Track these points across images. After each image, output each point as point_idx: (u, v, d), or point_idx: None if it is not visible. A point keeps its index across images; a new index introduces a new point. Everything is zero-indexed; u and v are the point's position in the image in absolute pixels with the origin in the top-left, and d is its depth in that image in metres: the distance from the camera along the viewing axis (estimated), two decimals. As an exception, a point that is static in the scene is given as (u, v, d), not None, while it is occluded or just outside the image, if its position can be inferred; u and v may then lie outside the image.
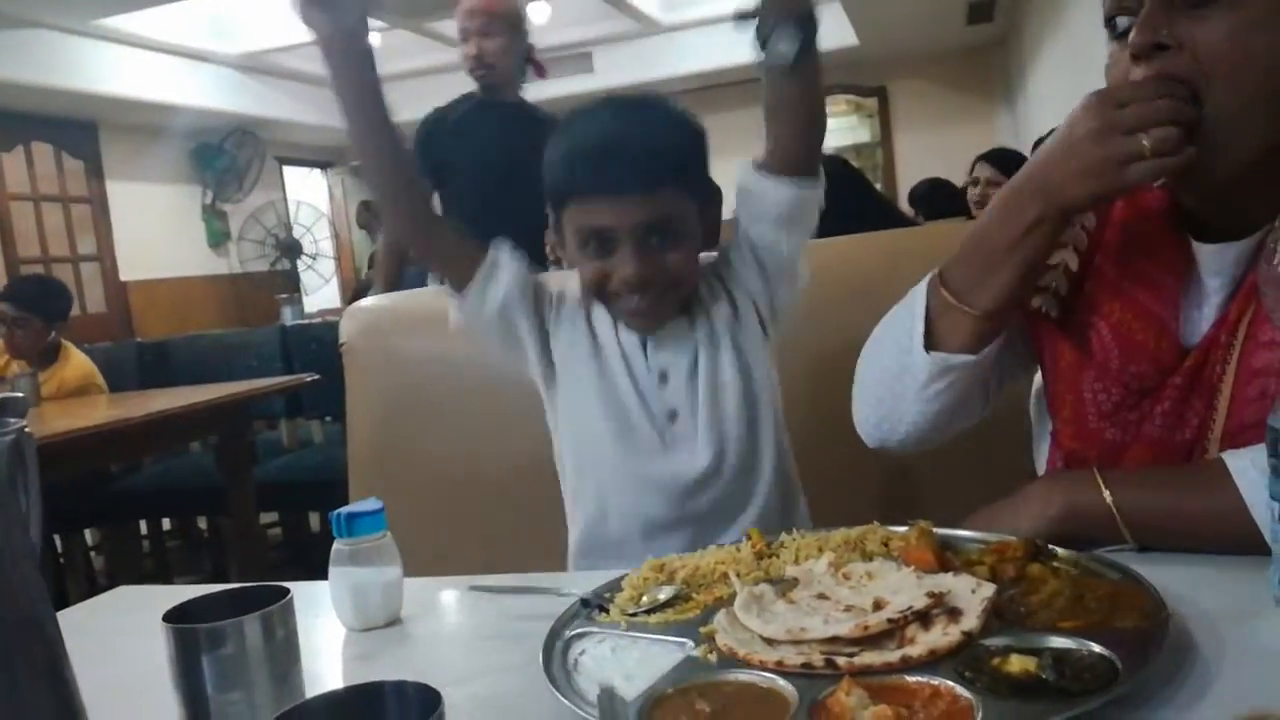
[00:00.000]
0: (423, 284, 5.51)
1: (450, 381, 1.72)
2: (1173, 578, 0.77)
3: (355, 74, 1.21)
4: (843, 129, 9.82)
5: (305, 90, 9.25)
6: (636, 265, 1.15)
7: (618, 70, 9.14)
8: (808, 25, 1.08)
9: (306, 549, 3.92)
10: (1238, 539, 0.82)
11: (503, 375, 1.69)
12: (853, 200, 2.72)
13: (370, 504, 0.98)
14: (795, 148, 1.16)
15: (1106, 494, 0.89)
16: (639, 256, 1.15)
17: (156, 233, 8.19)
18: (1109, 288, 0.99)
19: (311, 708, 0.52)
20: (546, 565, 1.38)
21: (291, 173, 10.15)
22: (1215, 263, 0.94)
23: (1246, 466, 0.83)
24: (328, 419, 4.00)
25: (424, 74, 9.51)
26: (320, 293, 9.41)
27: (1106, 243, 1.01)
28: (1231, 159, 0.87)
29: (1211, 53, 0.84)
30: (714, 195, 1.25)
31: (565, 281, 1.30)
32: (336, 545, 0.96)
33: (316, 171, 10.59)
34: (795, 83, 1.12)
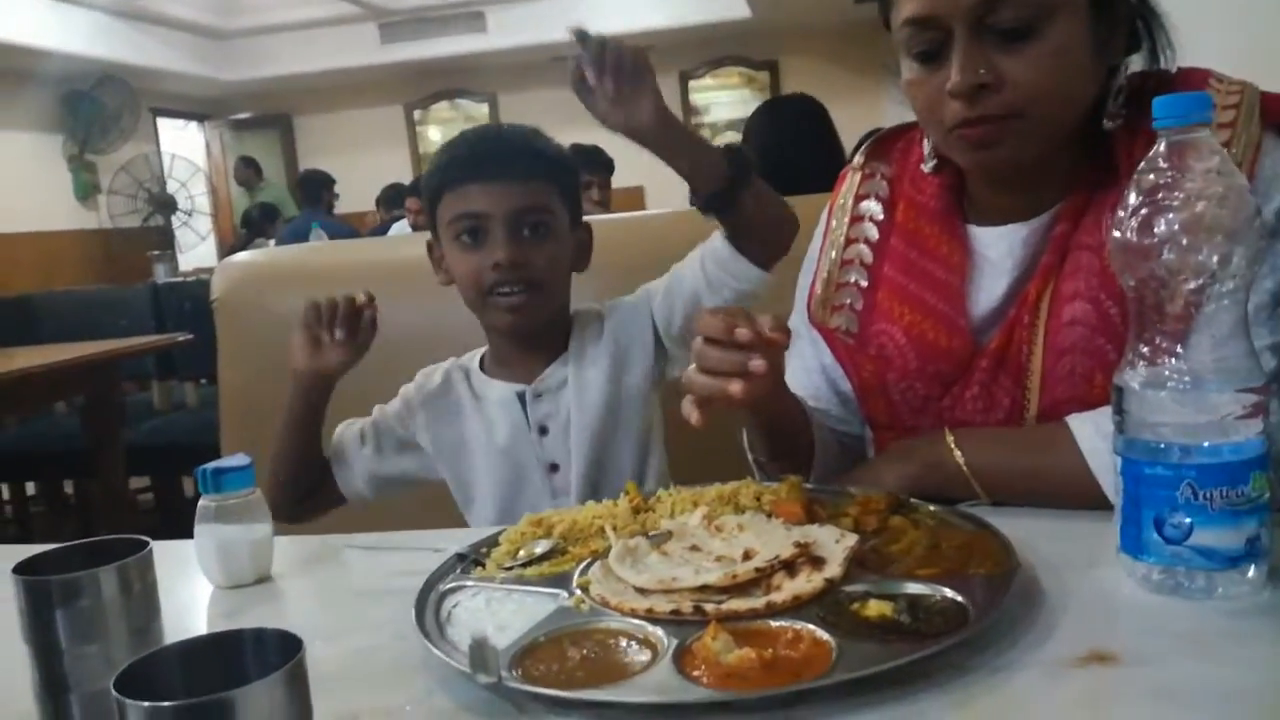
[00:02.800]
0: (303, 239, 5.33)
1: (328, 340, 1.68)
2: (1024, 530, 0.81)
3: (316, 403, 1.29)
4: (734, 101, 9.89)
5: (182, 39, 8.85)
6: (508, 250, 1.18)
7: (511, 31, 9.01)
8: (737, 181, 1.09)
9: (179, 514, 3.77)
10: (1079, 496, 0.87)
11: (381, 333, 1.67)
12: (822, 147, 2.72)
13: (239, 459, 0.95)
14: (765, 249, 1.16)
15: (957, 454, 0.93)
16: (510, 242, 1.19)
17: (19, 183, 7.74)
18: (898, 293, 1.04)
19: (166, 655, 0.50)
20: (429, 526, 1.37)
21: (166, 124, 9.71)
22: (1003, 243, 0.99)
23: (1088, 430, 0.87)
24: (203, 381, 3.86)
25: (314, 25, 9.23)
26: (196, 251, 9.04)
27: (892, 250, 1.06)
28: (1036, 156, 0.94)
29: (1029, 85, 0.89)
30: (586, 226, 1.30)
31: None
32: (202, 501, 0.93)
33: (193, 124, 10.15)
34: (741, 216, 1.13)
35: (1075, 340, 0.93)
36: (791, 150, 2.63)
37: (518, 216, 1.19)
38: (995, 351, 0.97)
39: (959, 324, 0.99)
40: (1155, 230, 0.70)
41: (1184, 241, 0.69)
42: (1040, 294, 0.96)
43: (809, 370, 1.13)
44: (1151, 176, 0.71)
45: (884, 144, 1.12)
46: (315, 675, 0.71)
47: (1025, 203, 0.99)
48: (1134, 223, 0.71)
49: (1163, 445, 0.69)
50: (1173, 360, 0.71)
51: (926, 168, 1.05)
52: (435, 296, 1.69)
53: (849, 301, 1.07)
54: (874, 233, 1.08)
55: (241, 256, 1.94)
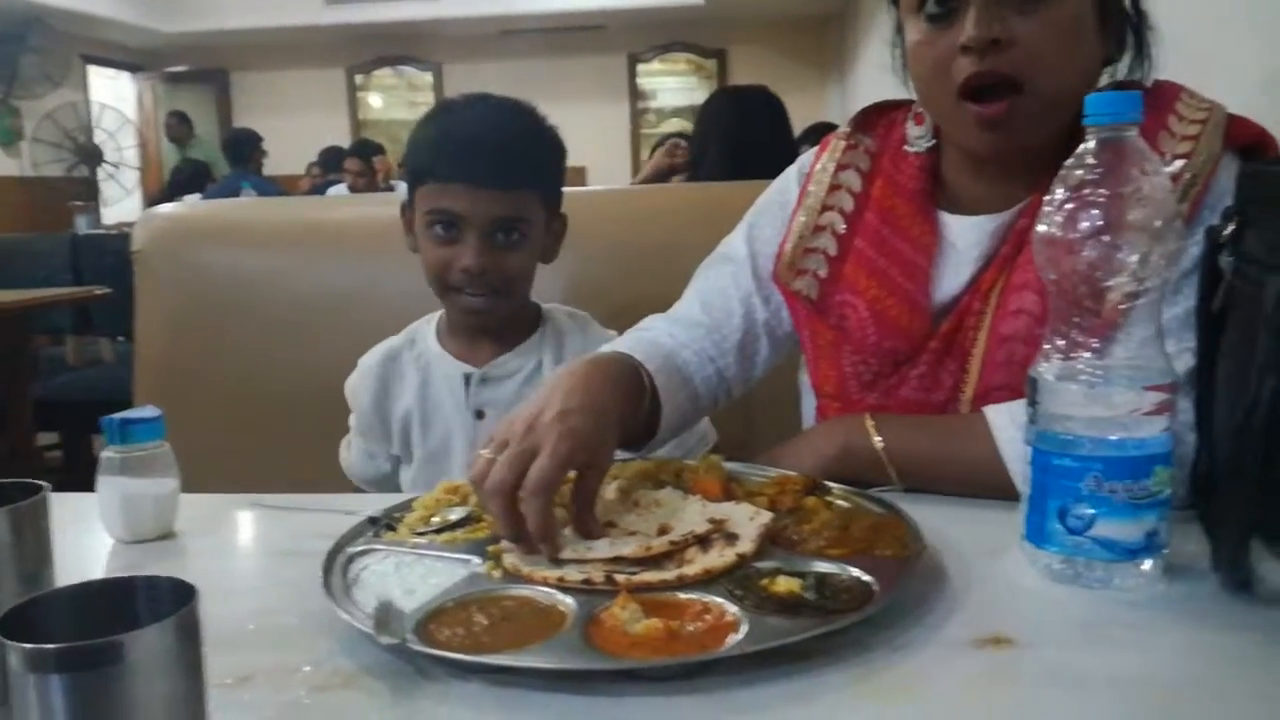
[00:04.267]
0: (233, 195, 5.21)
1: (250, 296, 1.65)
2: (934, 515, 0.82)
3: None
4: (682, 89, 9.90)
5: (118, -17, 8.56)
6: (477, 257, 1.20)
7: (460, 1, 8.88)
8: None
9: (87, 472, 3.67)
10: (991, 485, 0.88)
11: (306, 291, 1.64)
12: (779, 139, 2.78)
13: (149, 410, 0.92)
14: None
15: (877, 439, 0.95)
16: (481, 249, 1.20)
17: (-66, 125, 7.44)
18: (866, 266, 1.05)
19: (54, 599, 0.48)
20: (350, 489, 1.35)
21: (97, 74, 9.39)
22: (972, 234, 1.01)
23: (1004, 420, 0.89)
24: (120, 339, 3.76)
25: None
26: (121, 204, 8.78)
27: (865, 224, 1.07)
28: (1038, 132, 0.95)
29: (1039, 48, 0.91)
30: (562, 218, 1.31)
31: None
32: (106, 453, 0.91)
33: (126, 75, 9.83)
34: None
35: (1018, 329, 0.95)
36: (750, 137, 2.69)
37: (495, 224, 1.21)
38: (945, 334, 1.00)
39: (921, 304, 1.01)
40: (1079, 226, 0.71)
41: (1106, 239, 0.71)
42: (994, 283, 0.98)
43: (726, 293, 1.14)
44: (1079, 173, 0.72)
45: (870, 118, 1.13)
46: (213, 634, 0.69)
47: (998, 195, 1.00)
48: (1058, 218, 0.72)
49: (1071, 437, 0.71)
50: (1087, 355, 0.72)
51: (916, 148, 1.06)
52: (365, 257, 1.67)
53: (813, 268, 1.08)
54: (849, 203, 1.09)
55: (166, 208, 1.88)
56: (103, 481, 0.90)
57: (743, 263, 1.15)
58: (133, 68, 9.81)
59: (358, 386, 1.34)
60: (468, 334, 1.31)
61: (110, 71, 9.60)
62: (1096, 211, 0.70)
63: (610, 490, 0.89)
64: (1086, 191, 0.71)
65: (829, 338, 1.07)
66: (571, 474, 0.80)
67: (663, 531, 0.79)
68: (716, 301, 1.14)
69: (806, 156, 1.17)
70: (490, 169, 1.20)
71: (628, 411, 0.93)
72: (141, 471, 0.90)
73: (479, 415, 1.27)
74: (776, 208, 1.16)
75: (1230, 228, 0.76)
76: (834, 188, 1.10)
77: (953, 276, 1.02)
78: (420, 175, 1.24)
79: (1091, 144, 0.72)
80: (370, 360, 1.34)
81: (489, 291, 1.22)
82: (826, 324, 1.07)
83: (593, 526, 0.79)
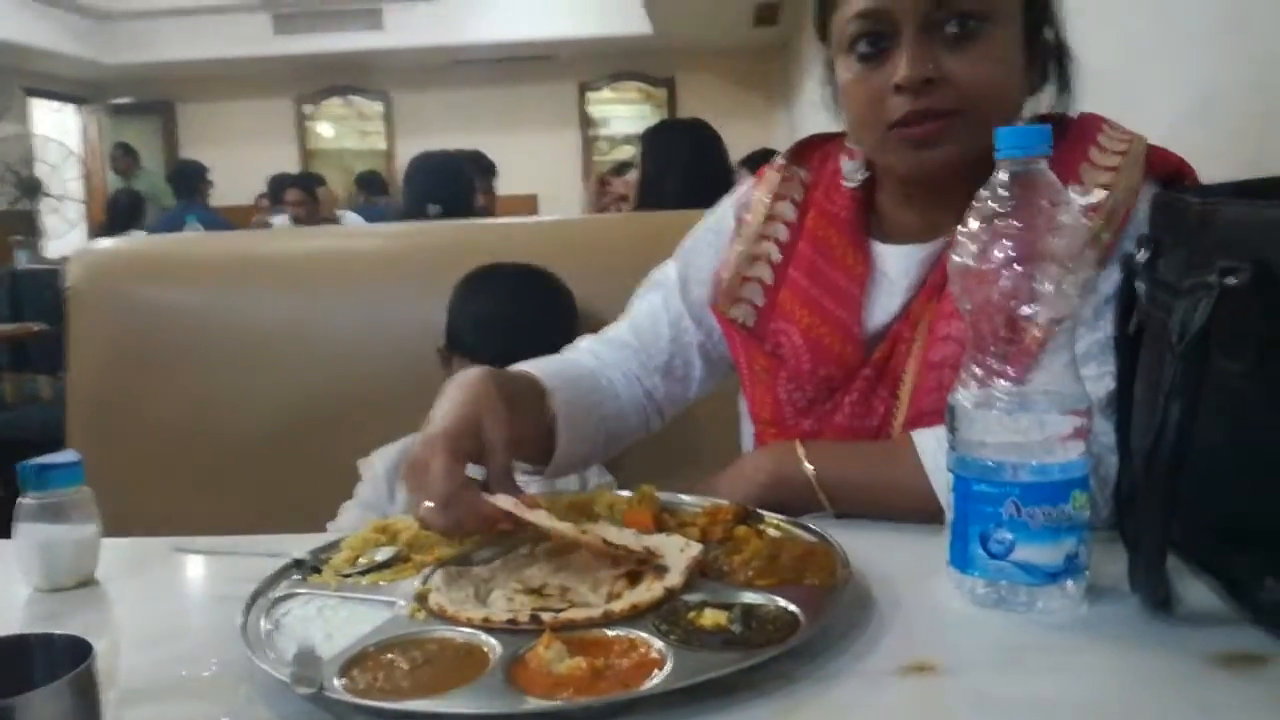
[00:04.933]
0: (178, 227, 5.13)
1: (188, 332, 1.63)
2: (862, 542, 0.82)
3: None
4: (633, 116, 9.97)
5: (62, 16, 8.46)
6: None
7: (408, 31, 8.89)
8: None
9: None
10: (919, 509, 0.89)
11: (245, 326, 1.62)
12: (711, 167, 2.83)
13: (66, 455, 0.90)
14: None
15: (807, 465, 0.96)
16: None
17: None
18: (800, 295, 1.07)
19: (-57, 660, 0.47)
20: (289, 531, 1.33)
21: (41, 105, 9.26)
22: (902, 262, 1.03)
23: (929, 443, 0.90)
24: (60, 374, 3.68)
25: (204, 11, 8.92)
26: (66, 238, 8.61)
27: (799, 253, 1.09)
28: (968, 152, 0.95)
29: (971, 84, 0.93)
30: None
31: None
32: (23, 499, 0.88)
33: (70, 107, 9.70)
34: None
35: (946, 355, 0.96)
36: (705, 168, 2.74)
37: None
38: (878, 362, 1.01)
39: (853, 332, 1.03)
40: (992, 256, 0.72)
41: (1019, 268, 0.72)
42: (924, 311, 1.00)
43: (655, 315, 1.16)
44: (992, 204, 0.73)
45: (805, 150, 1.15)
46: (131, 684, 0.69)
47: (928, 224, 1.02)
48: (973, 248, 0.73)
49: (990, 463, 0.71)
50: (1003, 382, 0.73)
51: (851, 183, 1.08)
52: (306, 291, 1.65)
53: (749, 297, 1.10)
54: (784, 234, 1.10)
55: (103, 243, 1.86)
56: (19, 528, 0.88)
57: (673, 287, 1.17)
58: (77, 99, 9.69)
59: (375, 478, 1.37)
60: None
61: (54, 104, 9.48)
62: (1009, 242, 0.71)
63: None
64: (999, 223, 0.72)
65: (764, 364, 1.08)
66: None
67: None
68: (645, 324, 1.16)
69: (744, 187, 1.19)
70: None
71: (512, 401, 0.92)
72: (60, 518, 0.88)
73: None
74: (712, 234, 1.17)
75: (1144, 254, 0.78)
76: (770, 218, 1.12)
77: (885, 304, 1.03)
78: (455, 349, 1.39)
79: (1003, 176, 0.73)
80: (389, 459, 1.37)
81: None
82: (762, 351, 1.08)
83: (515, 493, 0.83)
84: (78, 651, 0.46)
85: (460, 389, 0.88)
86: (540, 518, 0.79)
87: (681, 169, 2.84)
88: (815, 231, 1.08)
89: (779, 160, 1.16)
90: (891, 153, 0.99)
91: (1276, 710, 0.59)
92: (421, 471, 0.82)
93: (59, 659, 0.47)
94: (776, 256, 1.10)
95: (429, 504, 0.80)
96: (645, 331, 1.16)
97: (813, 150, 1.15)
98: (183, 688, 0.69)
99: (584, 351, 1.13)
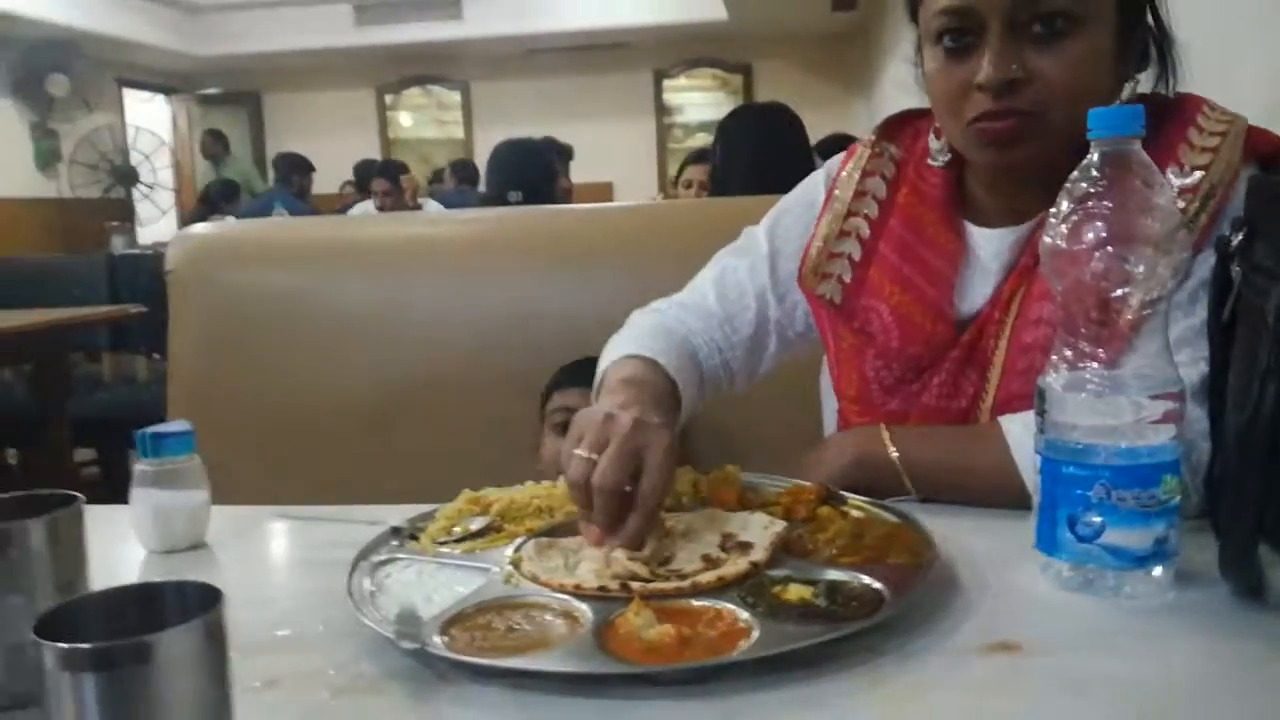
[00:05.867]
0: (265, 213, 5.29)
1: (280, 314, 1.68)
2: (947, 525, 0.83)
3: None
4: (708, 104, 9.94)
5: (153, 10, 8.74)
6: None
7: (487, 21, 8.99)
8: None
9: (124, 487, 3.74)
10: (1005, 494, 0.89)
11: (334, 309, 1.67)
12: (788, 152, 2.80)
13: (180, 425, 0.95)
14: None
15: (892, 449, 0.96)
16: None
17: (-22, 149, 7.61)
18: (890, 272, 1.06)
19: (88, 603, 0.51)
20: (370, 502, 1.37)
21: (132, 96, 9.58)
22: (994, 245, 1.02)
23: (1018, 429, 0.90)
24: (155, 356, 3.82)
25: (288, 3, 9.14)
26: (156, 225, 8.92)
27: (890, 230, 1.08)
28: (1050, 152, 0.95)
29: (1056, 85, 0.92)
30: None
31: None
32: (140, 466, 0.93)
33: (160, 97, 10.01)
34: None
35: (1038, 338, 0.95)
36: (776, 154, 2.70)
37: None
38: (967, 344, 1.00)
39: (945, 311, 1.02)
40: (1084, 238, 0.72)
41: (1110, 250, 0.72)
42: (1015, 293, 0.99)
43: (743, 287, 1.16)
44: (1084, 185, 0.73)
45: (895, 126, 1.14)
46: (241, 639, 0.72)
47: (1019, 207, 1.01)
48: (1064, 229, 0.73)
49: (1080, 446, 0.72)
50: (1094, 364, 0.73)
51: (935, 163, 1.07)
52: (392, 275, 1.70)
53: (838, 273, 1.10)
54: (875, 210, 1.10)
55: (198, 228, 1.93)
56: (136, 494, 0.93)
57: (762, 258, 1.16)
58: (167, 90, 9.99)
59: None
60: None
61: (145, 94, 9.79)
62: (1100, 223, 0.71)
63: None
64: (1090, 204, 0.72)
65: (852, 342, 1.08)
66: None
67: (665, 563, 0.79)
68: (732, 293, 1.15)
69: (833, 162, 1.18)
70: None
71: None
72: (173, 484, 0.93)
73: None
74: (802, 209, 1.17)
75: (1239, 238, 0.77)
76: (860, 194, 1.11)
77: (977, 287, 1.03)
78: (553, 389, 1.38)
79: (1095, 157, 0.73)
80: None
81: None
82: (850, 328, 1.08)
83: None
84: (208, 598, 0.50)
85: (664, 423, 0.87)
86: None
87: (755, 154, 2.81)
88: (907, 209, 1.08)
89: (870, 136, 1.15)
90: (972, 147, 0.99)
91: (1367, 699, 0.58)
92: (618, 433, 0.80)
93: (190, 605, 0.50)
94: (866, 233, 1.09)
95: (606, 519, 0.79)
96: (731, 301, 1.15)
97: (904, 127, 1.14)
98: (291, 643, 0.72)
99: (673, 319, 1.13)
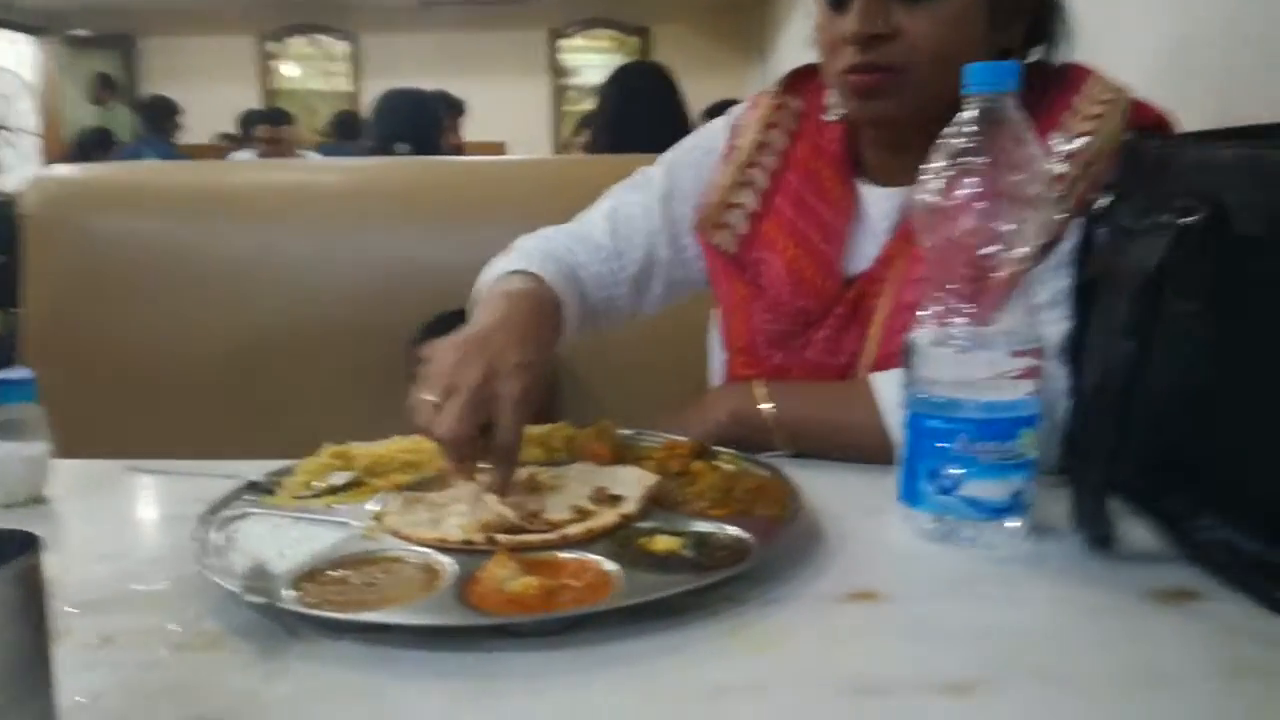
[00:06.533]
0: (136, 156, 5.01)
1: (146, 265, 1.61)
2: (815, 479, 0.84)
3: None
4: (604, 65, 9.80)
5: (13, -60, 8.18)
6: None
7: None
8: None
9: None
10: (875, 450, 0.90)
11: (202, 257, 1.60)
12: (670, 117, 2.79)
13: (19, 372, 0.89)
14: None
15: (764, 405, 0.97)
16: None
17: None
18: (785, 226, 1.07)
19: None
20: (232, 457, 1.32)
21: (-8, 34, 8.99)
22: (883, 205, 1.04)
23: (888, 386, 0.91)
24: (14, 310, 3.61)
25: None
26: (20, 171, 8.41)
27: (787, 183, 1.09)
28: (912, 109, 0.97)
29: (922, 42, 0.94)
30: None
31: None
32: (-27, 414, 0.87)
33: (24, 37, 9.41)
34: None
35: (918, 297, 0.95)
36: (632, 114, 2.70)
37: None
38: (852, 301, 1.02)
39: (834, 267, 1.03)
40: (956, 193, 0.73)
41: (982, 206, 0.72)
42: (900, 253, 1.01)
43: (633, 223, 1.15)
44: (957, 141, 0.74)
45: (799, 79, 1.14)
46: (81, 596, 0.69)
47: (908, 167, 1.01)
48: (937, 184, 0.74)
49: (943, 400, 0.72)
50: (960, 320, 0.74)
51: (830, 117, 1.08)
52: (264, 223, 1.63)
53: (734, 224, 1.10)
54: (774, 162, 1.10)
55: (58, 170, 1.82)
56: (-32, 443, 0.87)
57: (656, 198, 1.15)
58: (33, 30, 9.40)
59: None
60: None
61: (8, 34, 9.19)
62: (973, 179, 0.72)
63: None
64: (964, 159, 0.72)
65: (743, 293, 1.09)
66: None
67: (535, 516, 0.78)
68: (623, 229, 1.15)
69: (737, 109, 1.18)
70: None
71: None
72: (11, 433, 0.87)
73: None
74: (701, 153, 1.17)
75: (1105, 201, 0.79)
76: (760, 145, 1.11)
77: (865, 246, 1.04)
78: (417, 344, 1.28)
79: (970, 112, 0.73)
80: None
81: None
82: (742, 279, 1.09)
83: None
84: (24, 546, 0.46)
85: (535, 359, 0.85)
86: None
87: (605, 115, 2.82)
88: (805, 163, 1.08)
89: (773, 88, 1.15)
90: (842, 98, 1.01)
91: (1209, 643, 0.61)
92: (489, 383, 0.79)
93: (6, 554, 0.46)
94: (764, 184, 1.10)
95: (459, 473, 0.78)
96: (622, 239, 1.14)
97: (808, 81, 1.14)
98: (134, 600, 0.69)
99: (562, 247, 1.11)
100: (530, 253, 1.07)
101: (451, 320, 1.18)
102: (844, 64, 0.97)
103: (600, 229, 1.14)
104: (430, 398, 0.79)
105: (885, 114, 0.98)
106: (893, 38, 0.94)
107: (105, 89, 8.14)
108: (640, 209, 1.15)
